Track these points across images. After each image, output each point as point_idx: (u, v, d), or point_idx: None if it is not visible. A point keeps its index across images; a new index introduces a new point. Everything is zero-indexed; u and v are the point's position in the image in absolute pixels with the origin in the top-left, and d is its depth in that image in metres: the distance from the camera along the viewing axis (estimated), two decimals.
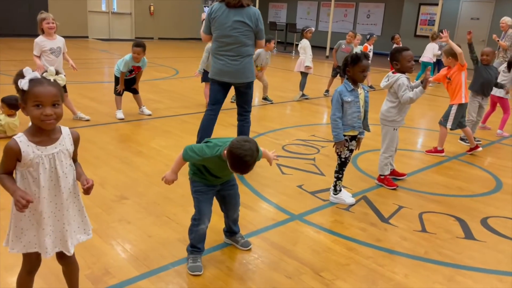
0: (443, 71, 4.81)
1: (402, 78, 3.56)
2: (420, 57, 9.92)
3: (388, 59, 10.18)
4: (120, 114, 5.50)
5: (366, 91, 3.25)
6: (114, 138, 4.70)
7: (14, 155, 1.67)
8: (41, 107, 1.64)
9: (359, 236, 2.91)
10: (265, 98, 7.17)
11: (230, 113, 5.62)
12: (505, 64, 5.94)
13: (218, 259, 2.53)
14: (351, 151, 3.35)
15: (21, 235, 1.77)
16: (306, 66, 7.42)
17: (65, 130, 1.79)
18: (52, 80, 1.68)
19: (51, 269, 2.18)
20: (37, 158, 1.69)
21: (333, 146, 3.26)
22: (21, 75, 1.66)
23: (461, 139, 5.35)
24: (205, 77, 6.36)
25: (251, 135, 4.49)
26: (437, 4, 12.66)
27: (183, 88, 7.94)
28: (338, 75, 8.01)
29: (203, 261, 2.43)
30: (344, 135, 3.19)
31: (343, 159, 3.33)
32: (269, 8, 21.67)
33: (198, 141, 4.08)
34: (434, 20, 13.65)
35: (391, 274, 2.50)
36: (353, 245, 2.79)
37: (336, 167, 3.38)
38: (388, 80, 3.69)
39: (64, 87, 5.13)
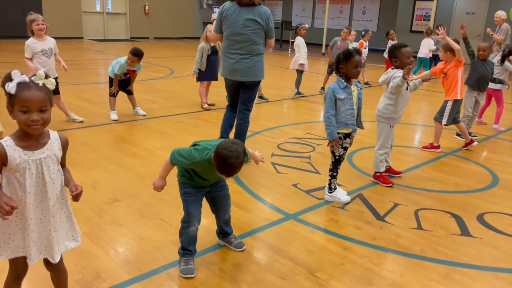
0: (440, 65, 4.77)
1: (399, 72, 3.52)
2: (416, 52, 9.93)
3: (383, 55, 10.16)
4: (114, 115, 5.46)
5: (359, 88, 3.21)
6: (107, 140, 4.66)
7: (0, 160, 1.63)
8: (28, 112, 1.60)
9: (354, 234, 2.88)
10: (260, 97, 7.12)
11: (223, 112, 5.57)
12: (498, 57, 5.91)
13: (211, 260, 2.50)
14: (346, 148, 3.33)
15: (9, 241, 1.73)
16: (300, 63, 7.38)
17: (54, 135, 1.75)
18: (40, 84, 1.64)
19: (39, 274, 2.14)
20: (24, 163, 1.65)
21: (328, 145, 3.23)
22: (9, 78, 1.61)
23: (457, 134, 5.32)
24: (200, 76, 6.33)
25: (247, 133, 4.45)
26: None
27: (178, 88, 7.90)
28: (334, 72, 7.96)
29: (195, 263, 2.40)
30: (338, 133, 3.16)
31: (337, 157, 3.29)
32: (264, 6, 21.57)
33: (225, 133, 4.15)
34: (430, 16, 13.64)
35: (386, 273, 2.47)
36: (348, 244, 2.76)
37: (331, 165, 3.35)
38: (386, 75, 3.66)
39: (57, 88, 5.13)
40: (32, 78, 1.64)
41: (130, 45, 15.94)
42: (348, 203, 3.35)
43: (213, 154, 2.11)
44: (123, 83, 5.54)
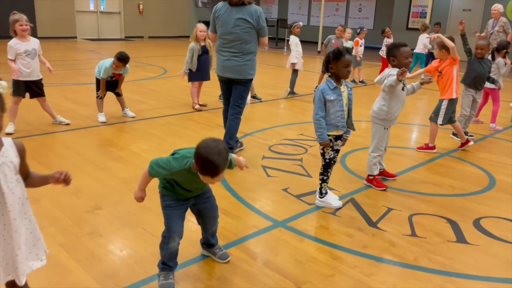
0: (435, 63, 4.65)
1: (394, 71, 3.39)
2: (412, 49, 9.89)
3: (379, 53, 10.02)
4: (102, 117, 5.32)
5: (349, 89, 3.09)
6: (93, 143, 4.52)
7: None
8: None
9: (345, 243, 2.76)
10: (253, 97, 6.99)
11: (218, 112, 5.44)
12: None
13: (193, 274, 2.37)
14: (337, 151, 3.20)
15: None
16: (292, 62, 7.26)
17: (8, 141, 1.63)
18: None
19: None
20: None
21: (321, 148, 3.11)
22: None
23: (454, 134, 5.20)
24: (191, 77, 6.20)
25: (238, 135, 4.33)
26: None
27: (170, 88, 7.76)
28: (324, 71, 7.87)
29: (176, 276, 2.28)
30: (328, 135, 3.03)
31: (327, 160, 3.17)
32: (260, 4, 21.44)
33: (226, 139, 4.10)
34: (426, 13, 13.50)
35: (378, 284, 2.34)
36: (339, 253, 2.64)
37: (321, 168, 3.22)
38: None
39: (43, 90, 4.98)
40: None
41: (125, 44, 15.80)
42: (340, 208, 3.22)
43: (193, 159, 1.98)
44: (111, 84, 5.39)
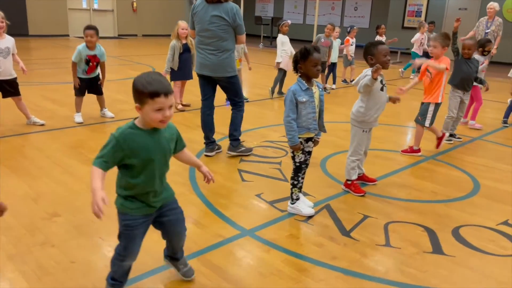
0: (424, 66, 4.44)
1: (369, 71, 3.24)
2: (408, 48, 9.94)
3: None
4: (78, 118, 5.16)
5: (320, 89, 2.93)
6: (65, 145, 4.36)
7: None
8: None
9: (314, 253, 2.61)
10: None
11: (198, 112, 5.27)
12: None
13: None
14: (309, 153, 3.05)
15: None
16: (277, 62, 7.10)
17: None
18: None
19: None
20: None
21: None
22: None
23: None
24: (173, 76, 6.04)
25: (218, 136, 4.18)
26: None
27: None
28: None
29: None
30: (299, 137, 2.88)
31: (297, 164, 3.01)
32: (256, 2, 21.27)
33: (205, 137, 4.23)
34: (422, 11, 13.34)
35: None
36: (306, 265, 2.48)
37: (292, 173, 3.07)
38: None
39: (17, 89, 4.83)
40: None
41: (118, 42, 15.63)
42: (312, 216, 3.06)
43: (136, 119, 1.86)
44: (90, 82, 5.22)
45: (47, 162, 3.86)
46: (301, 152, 2.95)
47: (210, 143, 4.25)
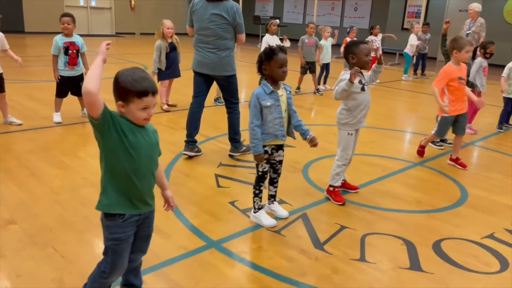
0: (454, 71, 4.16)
1: (346, 74, 3.06)
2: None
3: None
4: (57, 117, 5.01)
5: (288, 92, 2.75)
6: (38, 146, 4.19)
7: None
8: None
9: (282, 268, 2.43)
10: (217, 99, 6.45)
11: (183, 114, 5.11)
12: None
13: None
14: (280, 162, 2.88)
15: None
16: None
17: None
18: None
19: None
20: None
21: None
22: None
23: (432, 142, 4.87)
24: (161, 75, 5.89)
25: (200, 138, 4.01)
26: None
27: None
28: (308, 71, 7.54)
29: None
30: (265, 146, 2.71)
31: (260, 173, 2.84)
32: (255, 2, 21.10)
33: (188, 135, 4.08)
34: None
35: None
36: (270, 282, 2.31)
37: (254, 181, 2.89)
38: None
39: (3, 86, 4.67)
40: None
41: (115, 40, 15.49)
42: (274, 228, 2.85)
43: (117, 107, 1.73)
44: (72, 81, 5.03)
45: (15, 164, 3.70)
46: (265, 162, 2.78)
47: (192, 142, 4.09)
